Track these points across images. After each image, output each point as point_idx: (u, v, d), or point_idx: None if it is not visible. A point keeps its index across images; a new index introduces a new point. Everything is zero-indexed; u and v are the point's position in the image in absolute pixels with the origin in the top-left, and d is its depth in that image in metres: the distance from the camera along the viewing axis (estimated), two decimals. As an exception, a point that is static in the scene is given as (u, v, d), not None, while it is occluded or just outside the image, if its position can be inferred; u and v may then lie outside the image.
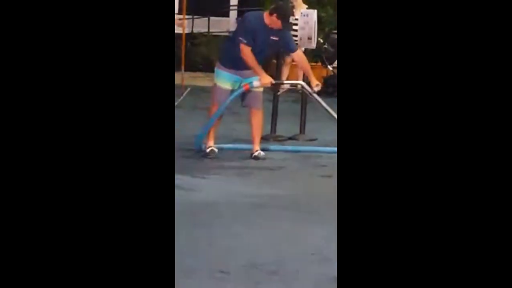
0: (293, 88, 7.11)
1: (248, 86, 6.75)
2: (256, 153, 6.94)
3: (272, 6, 7.13)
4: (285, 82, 6.69)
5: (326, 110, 6.90)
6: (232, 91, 6.85)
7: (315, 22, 8.29)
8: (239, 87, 6.82)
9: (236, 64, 6.75)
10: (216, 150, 6.96)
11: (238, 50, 6.65)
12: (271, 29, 6.71)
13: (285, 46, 7.01)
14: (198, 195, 5.83)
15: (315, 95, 6.80)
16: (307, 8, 9.86)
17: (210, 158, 6.91)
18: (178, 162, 6.81)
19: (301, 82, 6.87)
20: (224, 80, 6.86)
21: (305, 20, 8.39)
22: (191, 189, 5.93)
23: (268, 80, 6.77)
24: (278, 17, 6.64)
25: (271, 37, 6.75)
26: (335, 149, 6.77)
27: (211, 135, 6.96)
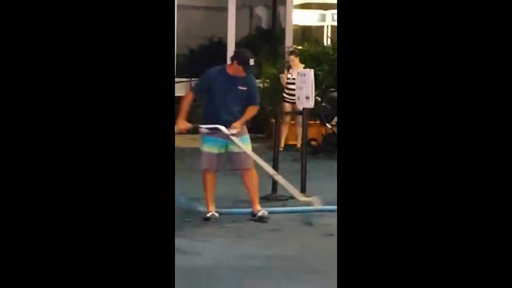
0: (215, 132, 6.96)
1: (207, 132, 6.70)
2: (260, 214, 6.80)
3: (230, 55, 7.03)
4: (203, 126, 6.54)
5: (248, 155, 6.80)
6: (219, 154, 6.77)
7: (312, 81, 8.32)
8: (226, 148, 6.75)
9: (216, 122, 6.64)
10: (217, 215, 6.83)
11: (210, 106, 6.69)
12: (236, 78, 6.65)
13: (249, 98, 6.81)
14: (198, 258, 5.78)
15: (233, 138, 6.63)
16: (304, 67, 9.92)
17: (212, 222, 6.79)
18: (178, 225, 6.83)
19: (219, 126, 6.70)
20: (209, 144, 6.76)
21: (302, 80, 8.45)
22: (191, 252, 5.89)
23: (182, 125, 6.69)
24: (238, 63, 6.59)
25: (239, 87, 6.65)
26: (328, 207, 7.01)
27: (210, 200, 6.83)
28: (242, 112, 6.72)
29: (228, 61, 6.90)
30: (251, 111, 6.86)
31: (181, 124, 6.67)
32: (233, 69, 6.65)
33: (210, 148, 6.76)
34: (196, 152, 9.52)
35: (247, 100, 6.77)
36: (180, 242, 5.82)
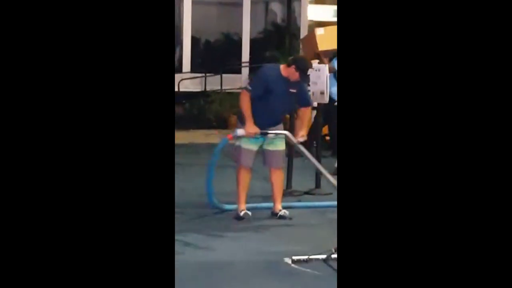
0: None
1: (231, 136, 6.70)
2: (281, 213, 6.80)
3: (291, 58, 7.07)
4: (270, 132, 6.54)
5: (310, 161, 6.80)
6: (257, 151, 6.74)
7: (327, 76, 8.26)
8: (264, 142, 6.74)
9: (260, 122, 6.63)
10: (249, 213, 6.80)
11: (258, 107, 6.61)
12: (289, 81, 6.63)
13: (302, 99, 6.88)
14: (214, 253, 5.79)
15: (299, 146, 6.63)
16: (318, 63, 9.86)
17: (244, 220, 6.75)
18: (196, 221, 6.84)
19: (286, 132, 6.73)
20: (249, 141, 6.68)
21: (317, 75, 8.35)
22: (206, 247, 5.91)
23: (252, 130, 6.57)
24: (296, 69, 6.56)
25: (290, 89, 6.64)
26: None
27: (243, 197, 6.84)
28: (285, 114, 6.83)
29: (283, 63, 6.89)
30: (306, 114, 7.03)
31: (251, 128, 6.58)
32: (289, 72, 6.62)
33: (250, 145, 6.71)
34: (209, 148, 9.55)
35: (298, 102, 6.88)
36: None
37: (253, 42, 14.87)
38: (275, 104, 6.64)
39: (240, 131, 6.61)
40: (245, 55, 15.06)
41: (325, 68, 8.50)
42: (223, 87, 14.51)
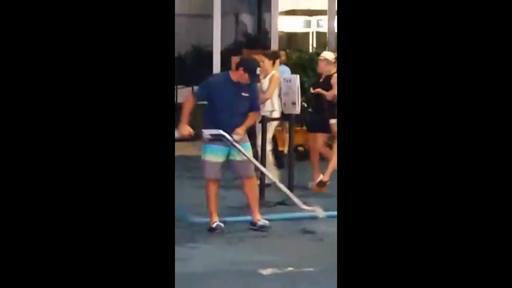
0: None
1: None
2: (261, 223, 6.75)
3: (237, 61, 6.99)
4: (205, 131, 6.43)
5: (250, 160, 6.76)
6: (223, 162, 6.65)
7: (298, 87, 8.30)
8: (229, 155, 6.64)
9: (221, 126, 6.54)
10: (222, 224, 6.70)
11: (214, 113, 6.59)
12: (239, 84, 6.61)
13: (251, 104, 6.79)
14: (193, 263, 5.77)
15: (236, 144, 6.54)
16: (291, 74, 9.87)
17: (217, 232, 6.64)
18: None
19: (221, 131, 6.60)
20: (212, 153, 6.68)
21: (288, 86, 8.41)
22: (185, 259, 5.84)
23: (184, 131, 6.60)
24: (244, 71, 6.56)
25: (242, 93, 6.61)
26: (328, 213, 6.93)
27: (214, 209, 6.75)
28: (244, 119, 6.65)
29: (233, 68, 6.82)
30: (253, 117, 6.87)
31: (183, 129, 6.58)
32: (238, 76, 6.61)
33: (213, 157, 6.64)
34: (182, 159, 9.45)
35: (249, 107, 6.73)
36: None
37: (223, 53, 14.84)
38: (224, 108, 6.56)
39: (176, 133, 6.34)
40: (216, 67, 15.04)
41: (296, 79, 8.54)
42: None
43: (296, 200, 7.07)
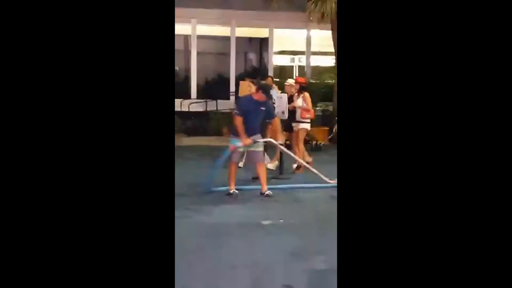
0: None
1: (234, 147, 6.62)
2: (267, 192, 6.71)
3: (258, 86, 7.07)
4: (259, 140, 6.68)
5: (292, 156, 6.81)
6: (243, 152, 6.72)
7: (286, 102, 8.41)
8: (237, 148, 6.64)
9: (247, 133, 6.61)
10: (237, 192, 6.73)
11: (246, 122, 6.56)
12: (259, 102, 6.58)
13: (268, 114, 6.85)
14: (212, 218, 5.71)
15: (281, 146, 6.76)
16: (281, 93, 9.88)
17: (233, 196, 6.66)
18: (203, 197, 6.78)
19: (271, 139, 6.88)
20: (234, 141, 6.66)
21: (280, 101, 8.50)
22: (210, 214, 5.83)
23: (248, 141, 6.58)
24: (263, 93, 6.60)
25: (260, 108, 6.59)
26: (312, 185, 7.02)
27: (232, 182, 6.71)
28: (261, 124, 6.80)
29: (253, 90, 6.91)
30: (275, 124, 7.16)
31: (246, 140, 6.57)
32: (258, 96, 6.62)
33: (237, 144, 6.61)
34: (209, 148, 9.37)
35: (267, 116, 6.83)
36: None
37: (236, 79, 14.80)
38: (252, 119, 6.59)
39: (239, 143, 6.57)
40: (232, 87, 15.03)
41: (284, 96, 8.58)
42: (218, 108, 14.47)
43: (322, 176, 7.17)
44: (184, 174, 7.60)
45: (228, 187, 6.76)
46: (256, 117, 6.66)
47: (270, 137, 7.43)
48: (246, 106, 6.64)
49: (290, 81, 9.09)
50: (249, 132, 6.59)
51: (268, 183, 7.04)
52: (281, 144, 7.15)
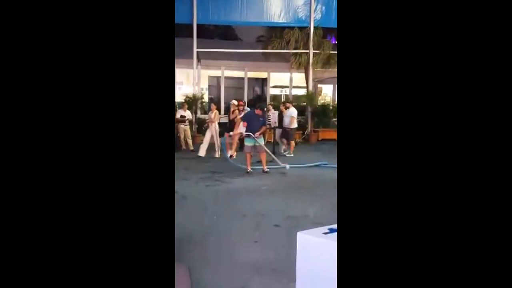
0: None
1: (229, 135, 7.44)
2: (266, 170, 6.95)
3: (258, 105, 7.25)
4: (245, 133, 6.81)
5: (262, 146, 6.94)
6: (252, 146, 6.88)
7: (277, 116, 8.85)
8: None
9: (251, 132, 6.97)
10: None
11: (248, 126, 6.92)
12: (257, 115, 6.91)
13: (263, 122, 7.02)
14: (235, 185, 5.89)
15: (257, 138, 6.74)
16: (274, 110, 10.07)
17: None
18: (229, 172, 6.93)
19: (251, 134, 6.81)
20: (248, 141, 6.94)
21: (274, 116, 8.94)
22: (232, 182, 6.06)
23: (237, 133, 7.28)
24: (260, 110, 6.95)
25: (259, 118, 6.88)
26: (290, 165, 6.99)
27: (248, 164, 6.89)
28: (259, 128, 6.93)
29: (255, 108, 7.13)
30: (264, 128, 7.16)
31: (237, 131, 7.35)
32: (258, 111, 6.93)
33: (248, 143, 6.92)
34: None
35: (262, 124, 7.02)
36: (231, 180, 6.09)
37: (248, 103, 14.87)
38: (253, 124, 6.91)
39: (232, 133, 7.50)
40: (246, 109, 15.07)
41: (275, 112, 8.94)
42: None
43: (278, 161, 7.33)
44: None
45: (246, 167, 7.06)
46: (255, 123, 6.95)
47: (264, 134, 7.96)
48: (249, 116, 7.05)
49: (234, 101, 9.09)
50: (252, 131, 6.92)
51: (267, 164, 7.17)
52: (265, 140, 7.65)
